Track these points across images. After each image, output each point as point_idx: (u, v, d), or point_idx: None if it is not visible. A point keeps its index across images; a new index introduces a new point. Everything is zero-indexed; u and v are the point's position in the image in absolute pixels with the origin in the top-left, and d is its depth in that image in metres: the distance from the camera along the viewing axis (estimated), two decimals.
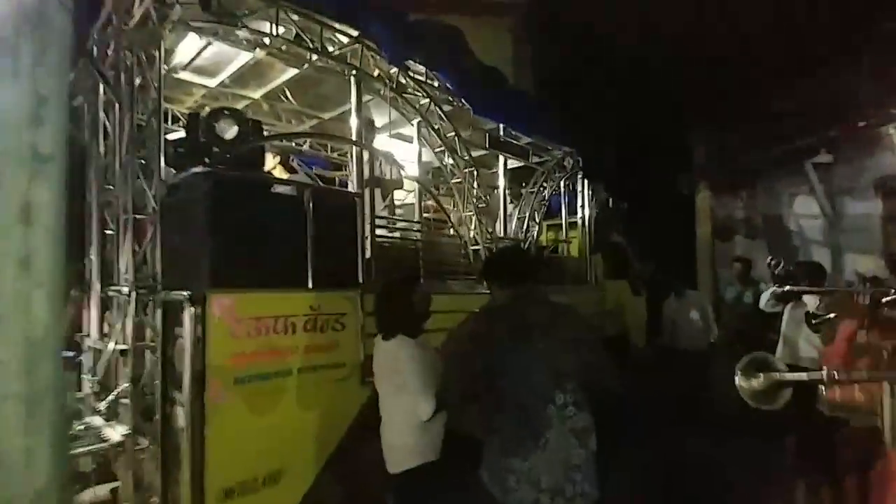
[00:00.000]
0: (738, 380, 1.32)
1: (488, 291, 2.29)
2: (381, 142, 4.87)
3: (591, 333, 2.14)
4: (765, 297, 4.27)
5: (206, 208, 2.55)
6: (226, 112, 2.75)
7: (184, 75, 4.01)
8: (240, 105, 4.43)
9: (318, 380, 2.88)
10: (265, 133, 3.57)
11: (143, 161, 3.01)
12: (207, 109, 2.85)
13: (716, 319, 6.07)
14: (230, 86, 4.21)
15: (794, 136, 7.06)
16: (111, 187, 3.16)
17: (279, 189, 3.04)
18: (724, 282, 8.47)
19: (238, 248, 2.63)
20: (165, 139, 3.08)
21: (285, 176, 4.63)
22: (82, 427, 2.64)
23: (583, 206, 5.98)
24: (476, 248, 4.28)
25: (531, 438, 1.87)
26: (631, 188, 7.07)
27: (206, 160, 2.62)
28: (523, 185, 5.86)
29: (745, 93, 7.43)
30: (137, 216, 2.95)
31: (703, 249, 8.93)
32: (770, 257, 4.15)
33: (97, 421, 2.82)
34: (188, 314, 2.44)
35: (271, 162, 4.85)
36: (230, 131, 2.70)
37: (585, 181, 5.89)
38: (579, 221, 6.00)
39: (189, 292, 2.45)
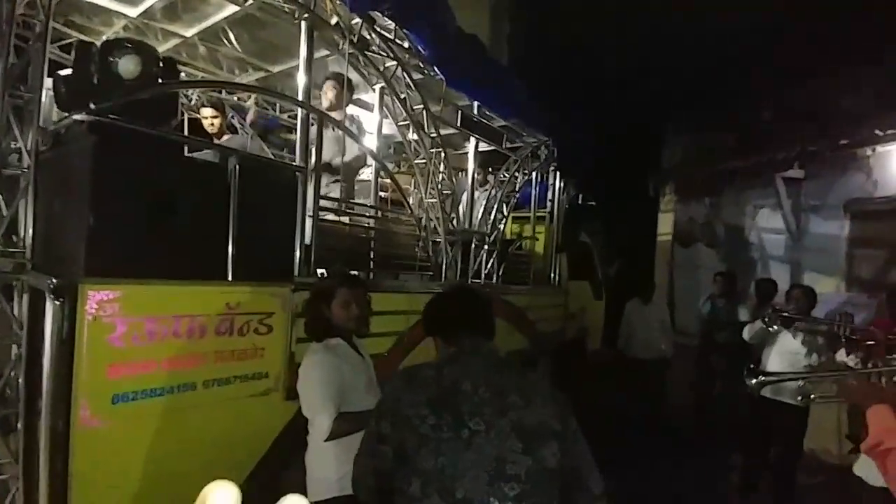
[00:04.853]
0: None
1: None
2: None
3: (563, 422, 1.35)
4: (752, 330, 3.98)
5: (86, 168, 1.92)
6: (127, 44, 2.08)
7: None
8: (169, 44, 3.69)
9: (231, 395, 2.32)
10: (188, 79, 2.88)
11: (21, 100, 2.34)
12: (104, 38, 2.15)
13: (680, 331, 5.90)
14: (158, 18, 3.46)
15: (773, 146, 6.86)
16: None
17: (195, 153, 2.41)
18: (681, 289, 8.35)
19: (130, 224, 2.01)
20: (58, 75, 2.39)
21: (225, 137, 3.91)
22: None
23: (552, 201, 5.56)
24: (437, 239, 3.77)
25: None
26: (603, 186, 6.72)
27: (95, 105, 1.96)
28: (490, 170, 5.38)
29: (729, 97, 7.17)
30: (6, 171, 2.28)
31: (662, 254, 8.77)
32: (770, 311, 3.77)
33: None
34: (51, 309, 1.83)
35: (221, 121, 3.97)
36: (132, 69, 2.04)
37: (558, 174, 5.45)
38: (547, 216, 5.58)
39: (54, 279, 1.83)
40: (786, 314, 3.60)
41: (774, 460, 3.93)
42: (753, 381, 2.98)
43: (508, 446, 1.27)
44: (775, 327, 3.70)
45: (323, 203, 2.94)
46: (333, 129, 3.67)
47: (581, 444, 1.37)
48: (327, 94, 3.56)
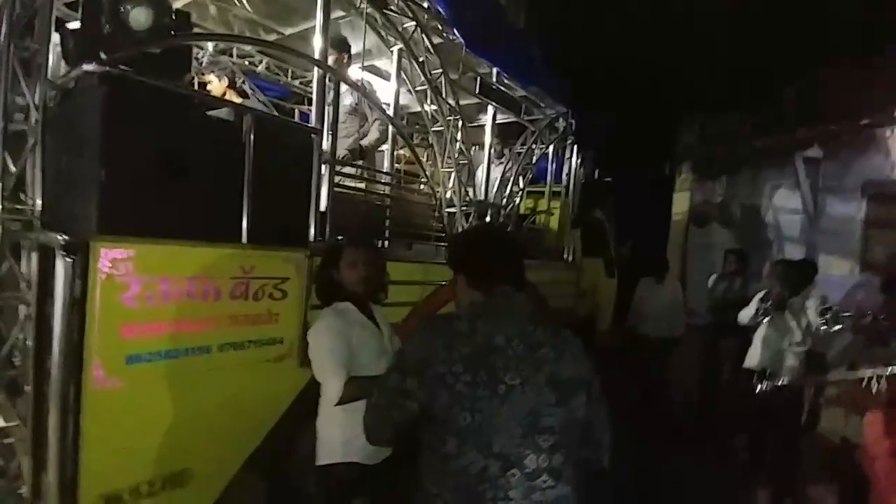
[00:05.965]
0: None
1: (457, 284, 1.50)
2: (353, 73, 4.10)
3: (591, 374, 1.37)
4: (748, 313, 3.91)
5: (98, 121, 1.84)
6: None
7: None
8: (179, 3, 3.56)
9: (246, 359, 2.28)
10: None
11: (27, 52, 2.25)
12: None
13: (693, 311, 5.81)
14: None
15: (793, 126, 6.69)
16: None
17: (210, 110, 2.32)
18: (695, 268, 8.26)
19: (144, 182, 1.94)
20: (66, 28, 2.30)
21: (236, 100, 3.85)
22: None
23: (569, 175, 5.44)
24: (452, 209, 3.69)
25: None
26: (620, 162, 6.58)
27: (105, 57, 1.87)
28: (507, 143, 5.26)
29: (748, 75, 6.97)
30: (12, 127, 2.20)
31: (677, 233, 8.66)
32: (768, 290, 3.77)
33: None
34: (62, 266, 1.77)
35: (218, 86, 4.02)
36: (143, 20, 1.94)
37: (575, 148, 5.32)
38: (563, 191, 5.47)
39: (65, 236, 1.77)
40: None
41: (775, 439, 3.89)
42: (762, 385, 2.98)
43: (542, 399, 1.25)
44: (765, 321, 3.78)
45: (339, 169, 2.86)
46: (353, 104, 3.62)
47: (601, 404, 1.38)
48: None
